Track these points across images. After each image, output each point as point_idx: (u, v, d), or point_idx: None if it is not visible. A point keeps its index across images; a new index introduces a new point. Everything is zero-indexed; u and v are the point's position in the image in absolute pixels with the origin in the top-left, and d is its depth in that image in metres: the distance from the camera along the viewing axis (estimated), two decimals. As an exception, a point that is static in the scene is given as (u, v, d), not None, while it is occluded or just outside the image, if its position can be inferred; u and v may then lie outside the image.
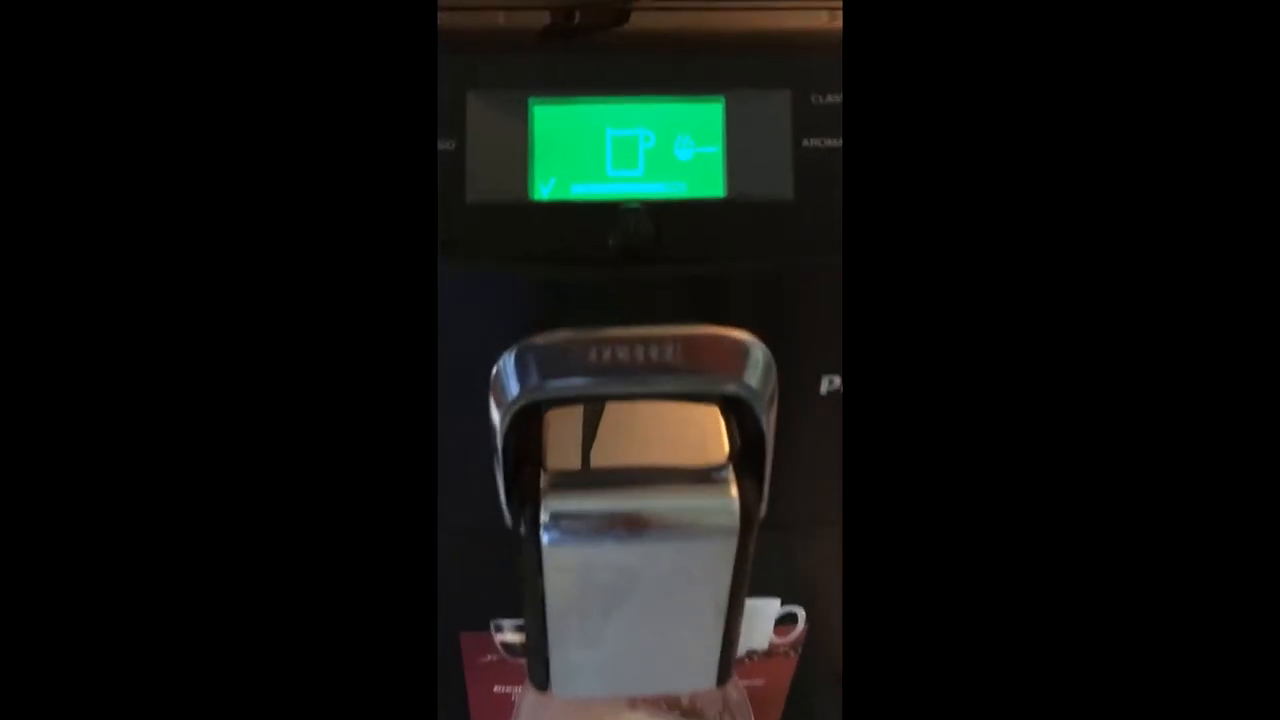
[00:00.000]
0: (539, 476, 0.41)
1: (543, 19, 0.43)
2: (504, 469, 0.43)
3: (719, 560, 0.41)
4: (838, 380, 0.43)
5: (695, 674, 0.45)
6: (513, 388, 0.41)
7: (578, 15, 0.41)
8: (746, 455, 0.43)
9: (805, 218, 0.42)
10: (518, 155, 0.41)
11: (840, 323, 0.28)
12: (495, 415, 0.42)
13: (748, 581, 0.43)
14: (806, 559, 0.57)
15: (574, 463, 0.43)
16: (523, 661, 0.46)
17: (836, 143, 0.40)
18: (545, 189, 0.42)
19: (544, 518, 0.40)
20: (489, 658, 0.58)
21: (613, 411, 0.42)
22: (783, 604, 0.59)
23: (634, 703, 0.57)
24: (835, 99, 0.40)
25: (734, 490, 0.41)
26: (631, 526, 0.40)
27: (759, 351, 0.42)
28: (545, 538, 0.39)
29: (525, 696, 0.53)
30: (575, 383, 0.41)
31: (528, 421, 0.42)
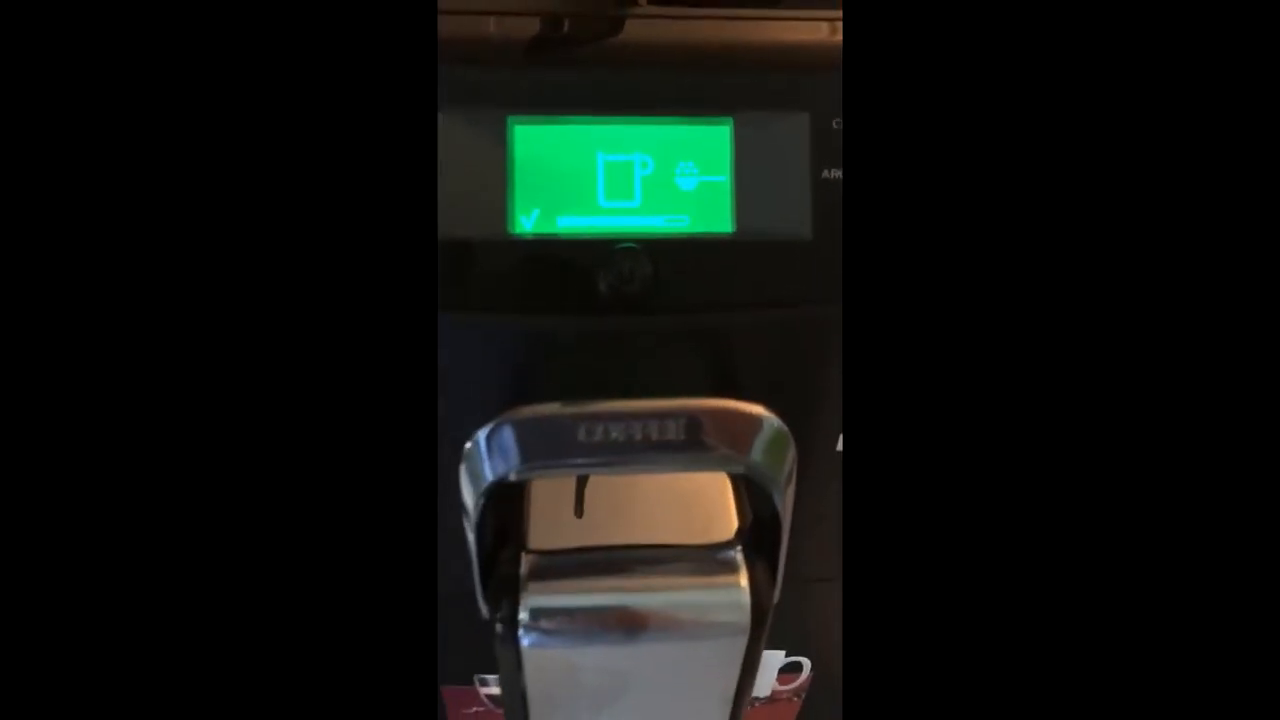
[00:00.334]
0: (519, 560, 0.36)
1: (531, 27, 0.38)
2: (478, 553, 0.36)
3: (725, 660, 0.36)
4: None
5: None
6: (489, 470, 0.35)
7: (567, 24, 0.38)
8: (758, 534, 0.37)
9: (824, 259, 0.37)
10: (495, 183, 0.37)
11: None
12: (468, 496, 0.36)
13: (757, 676, 0.37)
14: (812, 611, 0.52)
15: (559, 536, 0.37)
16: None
17: None
18: (527, 222, 0.37)
19: (523, 615, 0.34)
20: (474, 709, 0.55)
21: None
22: (787, 655, 0.54)
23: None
24: None
25: (744, 579, 0.35)
26: (625, 625, 0.34)
27: (774, 427, 0.36)
28: (525, 640, 0.33)
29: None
30: (562, 463, 0.35)
31: (507, 498, 0.36)
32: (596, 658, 0.35)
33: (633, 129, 0.38)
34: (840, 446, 0.40)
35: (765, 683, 0.55)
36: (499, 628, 0.34)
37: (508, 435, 0.34)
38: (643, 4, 0.40)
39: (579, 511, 0.37)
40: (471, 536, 0.36)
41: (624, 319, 0.37)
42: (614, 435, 0.34)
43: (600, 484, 0.37)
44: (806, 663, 0.52)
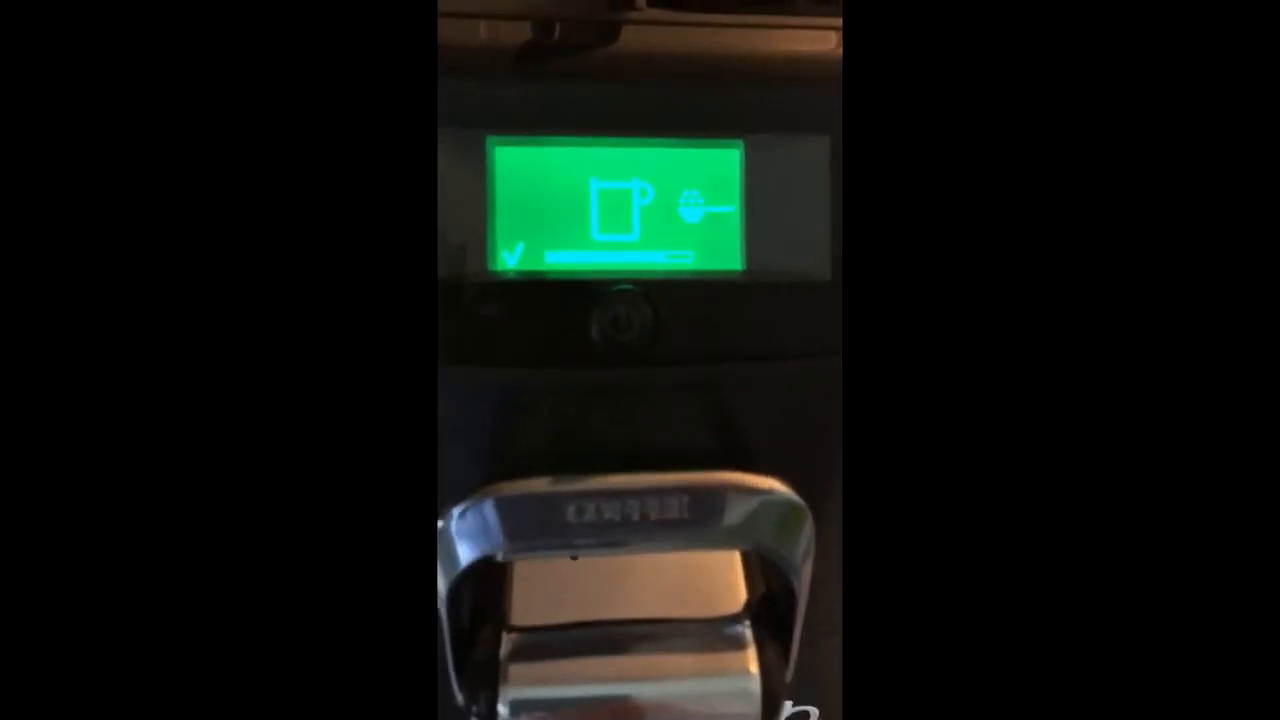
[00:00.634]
0: (499, 641, 0.32)
1: (513, 33, 0.34)
2: (452, 632, 0.33)
3: None
4: None
5: None
6: (464, 551, 0.31)
7: (557, 30, 0.34)
8: (769, 608, 0.33)
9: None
10: (473, 213, 0.34)
11: None
12: (440, 577, 0.32)
13: None
14: (819, 660, 0.49)
15: (546, 609, 0.33)
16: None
17: None
18: (509, 258, 0.34)
19: (502, 710, 0.30)
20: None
21: None
22: (794, 704, 0.50)
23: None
24: None
25: (753, 662, 0.32)
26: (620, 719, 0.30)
27: (788, 501, 0.32)
28: None
29: None
30: (548, 545, 0.31)
31: (487, 570, 0.32)
32: None
33: (630, 152, 0.35)
34: None
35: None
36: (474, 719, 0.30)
37: (486, 514, 0.31)
38: (641, 6, 0.36)
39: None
40: (444, 613, 0.32)
41: (619, 371, 0.33)
42: (608, 515, 0.30)
43: (585, 565, 0.33)
44: (815, 711, 0.49)
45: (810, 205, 0.34)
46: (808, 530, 0.33)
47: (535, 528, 0.31)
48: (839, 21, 0.36)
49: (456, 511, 0.31)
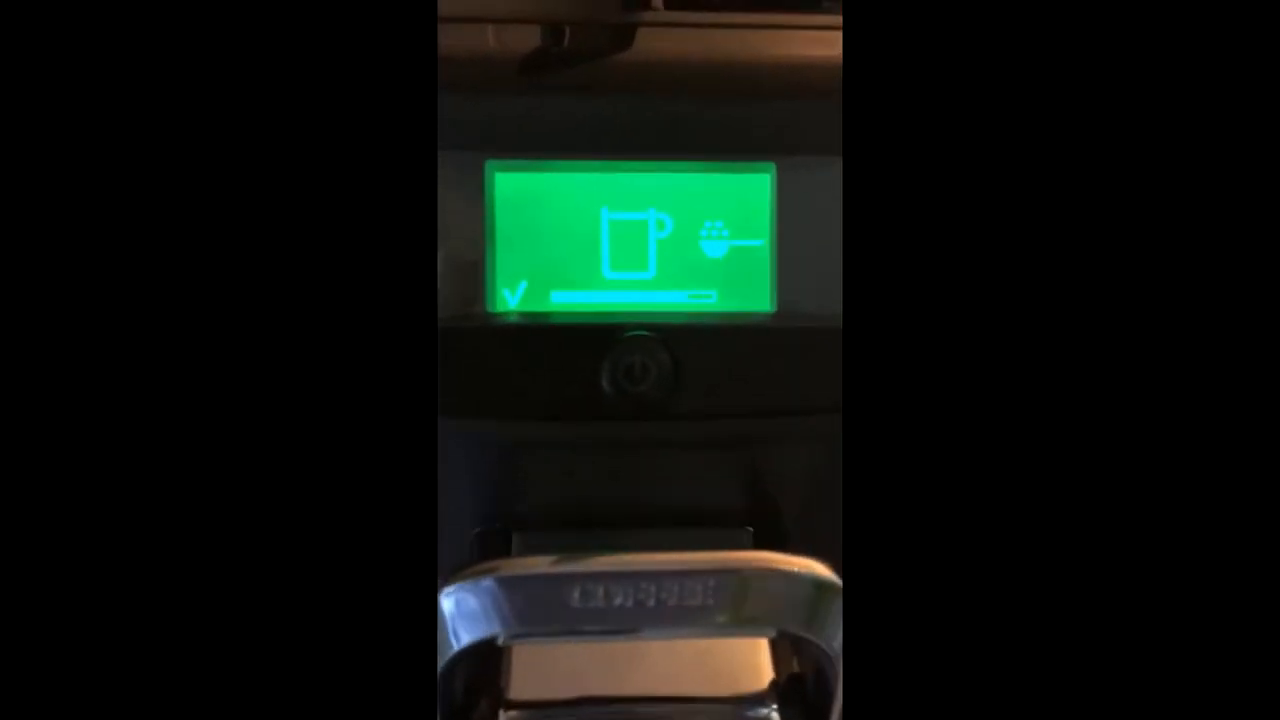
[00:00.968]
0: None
1: (513, 41, 0.32)
2: (444, 711, 0.30)
3: None
4: None
5: None
6: (458, 635, 0.28)
7: (567, 35, 0.32)
8: (799, 693, 0.31)
9: None
10: (470, 247, 0.32)
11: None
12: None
13: None
14: None
15: (548, 684, 0.31)
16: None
17: None
18: (511, 298, 0.32)
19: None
20: None
21: None
22: None
23: None
24: None
25: None
26: None
27: (822, 582, 0.29)
28: None
29: None
30: (553, 631, 0.28)
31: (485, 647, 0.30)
32: None
33: (646, 178, 0.32)
34: None
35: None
36: None
37: (485, 595, 0.28)
38: (657, 7, 0.33)
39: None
40: (437, 692, 0.30)
41: (633, 426, 0.31)
42: (618, 601, 0.27)
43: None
44: None
45: None
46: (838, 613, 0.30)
47: (538, 612, 0.28)
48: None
49: (453, 590, 0.28)
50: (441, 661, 0.29)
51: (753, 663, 0.32)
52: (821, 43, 0.32)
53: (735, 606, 0.28)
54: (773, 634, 0.30)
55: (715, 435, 0.32)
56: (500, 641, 0.28)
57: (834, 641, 0.29)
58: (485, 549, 0.33)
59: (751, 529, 0.33)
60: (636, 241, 0.32)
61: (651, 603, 0.28)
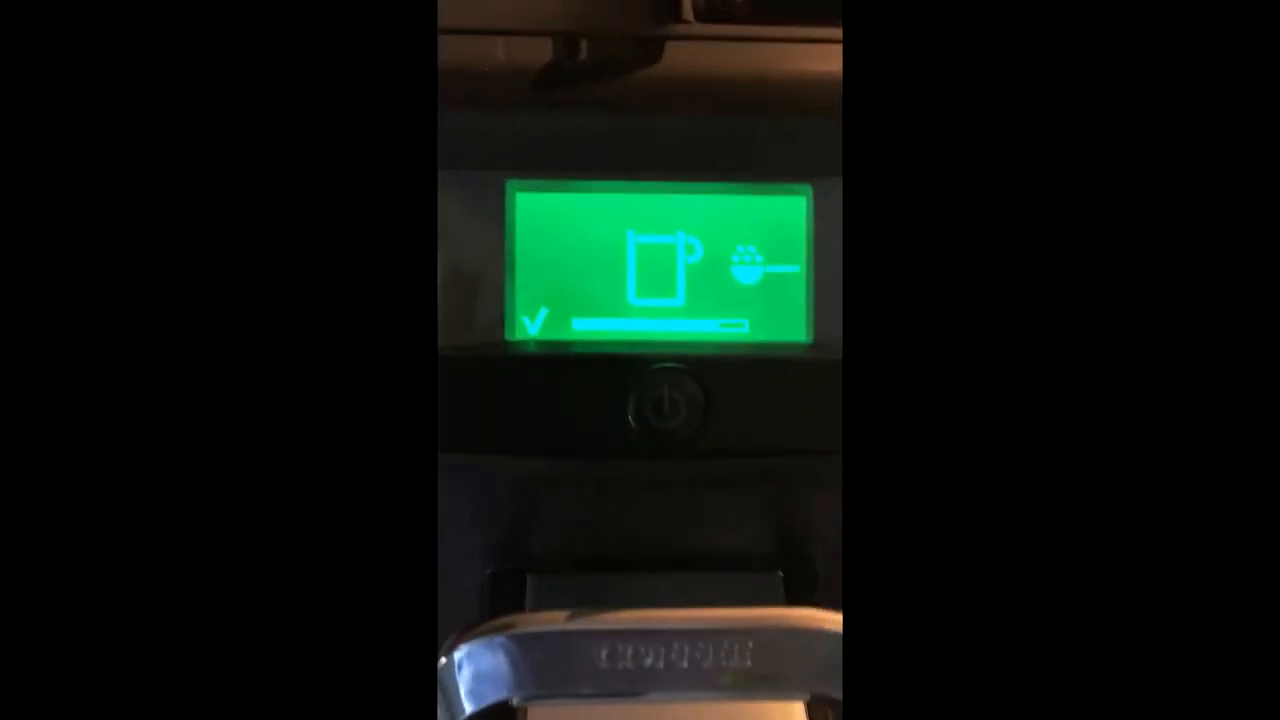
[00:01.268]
0: None
1: (535, 53, 0.31)
2: None
3: None
4: None
5: None
6: (472, 697, 0.27)
7: (584, 47, 0.31)
8: None
9: None
10: (488, 271, 0.31)
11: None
12: None
13: None
14: None
15: None
16: None
17: None
18: (531, 325, 0.31)
19: None
20: None
21: None
22: None
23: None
24: None
25: None
26: None
27: None
28: None
29: None
30: (575, 693, 0.27)
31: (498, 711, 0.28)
32: None
33: (674, 199, 0.31)
34: None
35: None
36: None
37: (499, 654, 0.26)
38: (688, 19, 0.32)
39: None
40: None
41: (660, 464, 0.30)
42: (648, 661, 0.26)
43: None
44: None
45: None
46: None
47: (559, 673, 0.27)
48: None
49: (463, 650, 0.26)
50: None
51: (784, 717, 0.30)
52: None
53: (772, 668, 0.27)
54: (808, 697, 0.28)
55: (746, 474, 0.30)
56: (515, 703, 0.27)
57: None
58: (497, 590, 0.32)
59: (782, 573, 0.32)
60: (664, 266, 0.31)
61: (684, 663, 0.26)
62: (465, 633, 0.27)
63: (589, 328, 0.31)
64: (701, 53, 0.31)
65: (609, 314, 0.31)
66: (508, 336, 0.30)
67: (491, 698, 0.26)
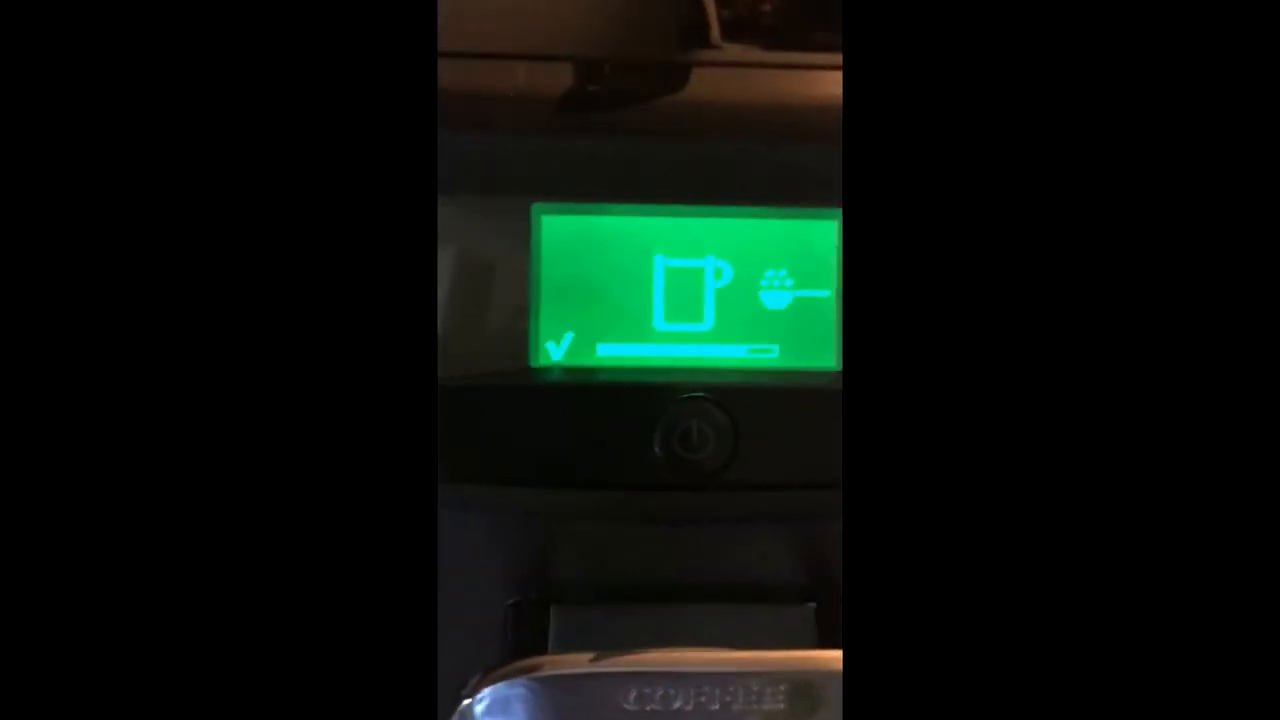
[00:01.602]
0: None
1: (561, 78, 0.30)
2: None
3: None
4: None
5: None
6: None
7: (609, 72, 0.31)
8: None
9: None
10: (512, 296, 0.31)
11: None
12: None
13: None
14: None
15: None
16: None
17: None
18: (555, 351, 0.31)
19: None
20: None
21: None
22: None
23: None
24: None
25: None
26: None
27: None
28: None
29: None
30: None
31: None
32: None
33: (703, 223, 0.31)
34: None
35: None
36: None
37: (518, 699, 0.25)
38: (717, 43, 0.32)
39: None
40: None
41: (688, 497, 0.30)
42: (677, 704, 0.25)
43: None
44: None
45: None
46: None
47: (585, 717, 0.26)
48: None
49: (486, 693, 0.25)
50: None
51: None
52: None
53: (803, 711, 0.26)
54: None
55: (778, 507, 0.30)
56: None
57: None
58: (520, 622, 0.31)
59: (814, 605, 0.31)
60: (692, 291, 0.31)
61: (715, 706, 0.25)
62: (489, 674, 0.26)
63: (614, 353, 0.30)
64: (729, 77, 0.31)
65: (635, 339, 0.31)
66: (531, 363, 0.30)
67: None
